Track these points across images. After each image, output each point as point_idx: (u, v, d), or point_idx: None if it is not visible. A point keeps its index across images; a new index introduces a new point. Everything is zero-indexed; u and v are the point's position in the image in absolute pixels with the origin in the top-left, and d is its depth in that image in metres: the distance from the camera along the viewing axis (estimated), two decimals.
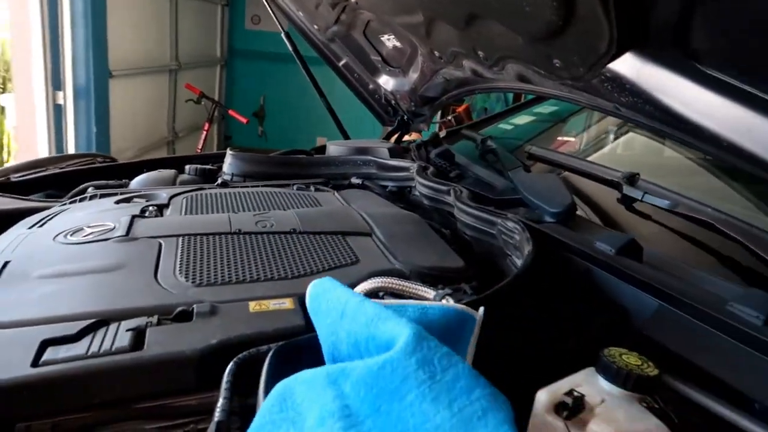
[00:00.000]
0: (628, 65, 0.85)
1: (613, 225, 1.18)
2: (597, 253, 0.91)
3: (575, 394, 0.60)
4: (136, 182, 1.49)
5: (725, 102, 0.74)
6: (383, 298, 0.87)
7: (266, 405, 0.52)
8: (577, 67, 0.95)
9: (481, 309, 0.71)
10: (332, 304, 0.59)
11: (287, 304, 0.80)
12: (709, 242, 1.00)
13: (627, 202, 1.15)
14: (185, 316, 0.75)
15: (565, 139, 2.16)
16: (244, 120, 4.92)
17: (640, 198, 1.09)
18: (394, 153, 1.63)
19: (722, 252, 0.97)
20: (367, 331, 0.54)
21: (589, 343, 0.83)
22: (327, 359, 0.61)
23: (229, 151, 1.56)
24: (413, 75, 1.79)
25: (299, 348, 0.64)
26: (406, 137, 2.13)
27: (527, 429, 0.65)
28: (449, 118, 4.46)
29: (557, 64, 0.99)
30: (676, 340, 0.77)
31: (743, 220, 0.94)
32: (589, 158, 1.89)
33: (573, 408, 0.59)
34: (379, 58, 1.89)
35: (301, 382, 0.53)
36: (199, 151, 4.93)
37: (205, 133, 5.00)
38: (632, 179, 1.13)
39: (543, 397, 0.62)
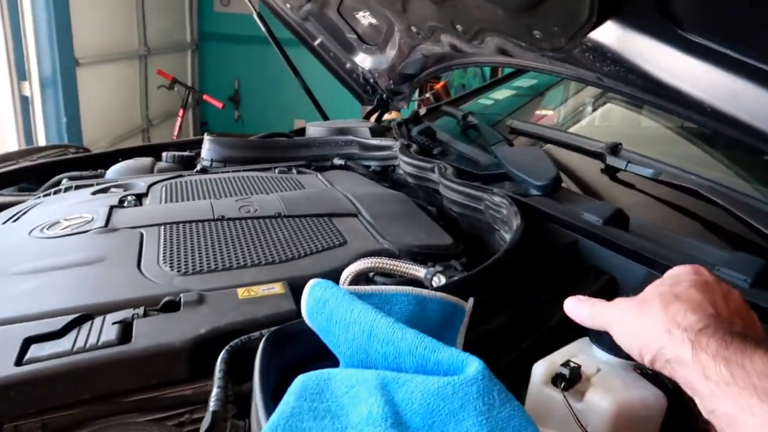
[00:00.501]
0: (609, 34, 0.84)
1: (597, 196, 1.19)
2: (584, 224, 0.91)
3: (572, 364, 0.60)
4: (113, 172, 1.45)
5: (708, 68, 0.74)
6: (374, 278, 0.87)
7: (301, 391, 0.49)
8: (558, 38, 0.94)
9: (471, 300, 0.70)
10: (350, 317, 0.56)
11: (277, 289, 0.79)
12: (694, 209, 1.01)
13: (611, 172, 1.16)
14: (172, 306, 0.74)
15: (544, 112, 2.16)
16: (219, 105, 4.84)
17: (623, 168, 1.10)
18: (375, 132, 1.62)
19: (707, 218, 0.98)
20: (413, 359, 0.52)
21: None
22: None
23: (206, 137, 1.53)
24: (390, 52, 1.76)
25: (293, 333, 0.63)
26: (386, 116, 2.11)
27: (525, 402, 0.65)
28: (428, 95, 4.43)
29: (537, 36, 0.98)
30: None
31: (726, 185, 0.95)
32: (569, 130, 1.90)
33: (570, 379, 0.59)
34: (355, 36, 1.86)
35: (342, 377, 0.51)
36: (175, 137, 4.84)
37: (180, 119, 4.91)
38: (615, 149, 1.13)
39: (540, 369, 0.62)
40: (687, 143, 1.46)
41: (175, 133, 4.90)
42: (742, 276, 0.74)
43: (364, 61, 1.94)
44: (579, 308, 0.59)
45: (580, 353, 0.66)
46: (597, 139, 1.21)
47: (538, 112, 2.15)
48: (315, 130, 1.66)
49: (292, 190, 1.24)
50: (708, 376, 0.42)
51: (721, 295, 0.51)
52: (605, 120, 1.97)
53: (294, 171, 1.42)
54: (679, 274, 0.55)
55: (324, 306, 0.59)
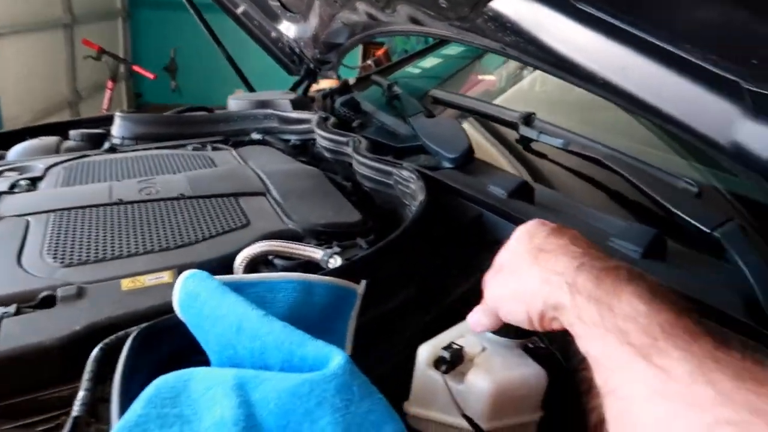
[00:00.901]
0: (507, 3, 0.82)
1: (515, 167, 1.19)
2: (489, 198, 0.90)
3: (454, 347, 0.60)
4: (14, 153, 1.36)
5: (600, 39, 0.73)
6: (273, 261, 0.84)
7: (152, 396, 0.47)
8: (462, 7, 0.91)
9: (363, 282, 0.69)
10: (219, 312, 0.53)
11: (165, 277, 0.75)
12: (600, 179, 1.02)
13: (524, 142, 1.15)
14: (49, 301, 0.69)
15: (484, 77, 2.14)
16: (150, 75, 4.63)
17: (535, 138, 1.09)
18: (297, 104, 1.56)
19: (611, 188, 0.99)
20: (279, 354, 0.50)
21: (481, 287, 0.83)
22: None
23: (117, 113, 1.45)
24: (313, 21, 1.70)
25: (170, 326, 0.60)
26: (324, 85, 2.05)
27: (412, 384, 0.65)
28: (369, 62, 4.35)
29: (443, 4, 0.95)
30: None
31: (630, 155, 0.95)
32: (503, 96, 1.89)
33: (451, 361, 0.59)
34: (278, 3, 1.79)
35: (201, 379, 0.49)
36: (105, 110, 4.63)
37: (109, 91, 4.68)
38: (528, 119, 1.13)
39: (423, 352, 0.62)
40: (617, 109, 1.47)
41: (105, 106, 4.68)
42: (633, 246, 0.75)
43: (288, 29, 1.87)
44: (476, 317, 0.60)
45: (468, 333, 0.65)
46: (513, 108, 1.20)
47: (479, 77, 2.13)
48: (235, 103, 1.60)
49: (203, 168, 1.19)
50: (582, 319, 0.43)
51: (577, 236, 0.52)
52: (544, 84, 1.96)
53: (209, 147, 1.36)
54: (528, 230, 0.55)
55: (195, 299, 0.56)
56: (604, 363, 0.40)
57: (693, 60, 0.60)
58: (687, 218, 0.77)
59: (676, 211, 0.79)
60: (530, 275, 0.50)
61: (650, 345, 0.37)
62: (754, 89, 0.55)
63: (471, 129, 1.41)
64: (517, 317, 0.53)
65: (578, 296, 0.44)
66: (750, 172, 0.56)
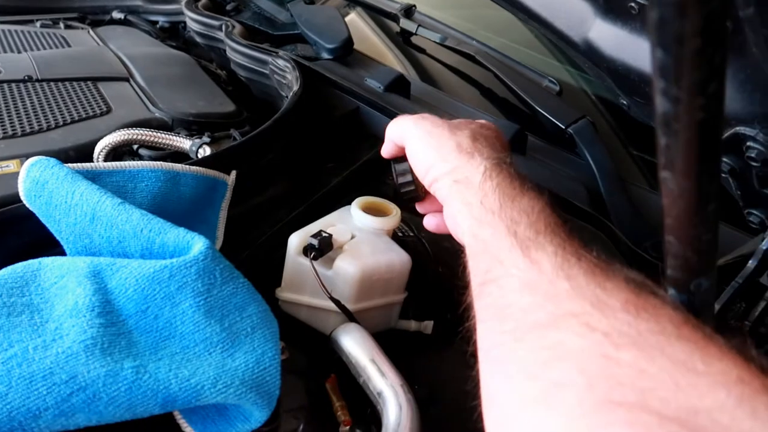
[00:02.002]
0: None
1: (400, 60, 1.18)
2: (365, 91, 0.90)
3: (323, 235, 0.61)
4: None
5: None
6: (138, 151, 0.80)
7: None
8: None
9: (233, 173, 0.67)
10: (71, 200, 0.50)
11: (12, 167, 0.69)
12: (474, 75, 1.04)
13: (405, 35, 1.14)
14: None
15: None
16: None
17: (414, 31, 1.08)
18: None
19: (484, 84, 1.02)
20: (138, 242, 0.48)
21: (357, 178, 0.85)
22: None
23: None
24: None
25: (16, 218, 0.56)
26: None
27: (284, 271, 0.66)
28: None
29: None
30: None
31: (501, 53, 0.98)
32: None
33: (320, 248, 0.60)
34: None
35: (53, 268, 0.47)
36: None
37: None
38: (409, 12, 1.11)
39: (294, 240, 0.63)
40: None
41: None
42: None
43: None
44: (386, 145, 0.62)
45: (339, 222, 0.67)
46: (395, 0, 1.17)
47: None
48: None
49: (54, 49, 1.07)
50: (483, 203, 0.45)
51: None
52: None
53: (61, 25, 1.22)
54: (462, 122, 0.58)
55: (43, 188, 0.52)
56: (490, 250, 0.41)
57: None
58: (547, 115, 0.82)
59: (537, 108, 0.84)
60: (460, 141, 0.52)
61: (532, 239, 0.39)
62: None
63: (359, 20, 1.37)
64: (421, 161, 0.54)
65: (488, 182, 0.46)
66: (597, 68, 0.60)
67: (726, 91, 0.50)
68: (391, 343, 0.62)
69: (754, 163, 0.49)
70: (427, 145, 0.54)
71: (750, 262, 0.57)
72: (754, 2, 0.37)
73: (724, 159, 0.53)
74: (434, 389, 0.60)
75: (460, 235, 0.48)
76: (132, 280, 0.44)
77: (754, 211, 0.57)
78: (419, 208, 0.65)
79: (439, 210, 0.57)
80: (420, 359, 0.64)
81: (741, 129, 0.49)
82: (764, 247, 0.56)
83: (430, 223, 0.62)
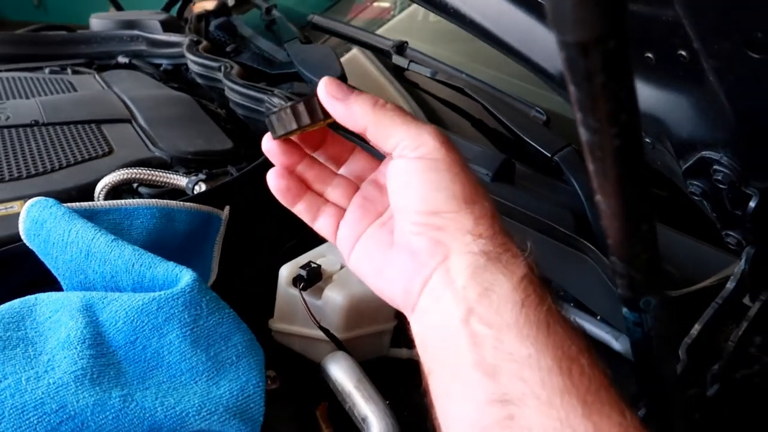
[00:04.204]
0: None
1: (402, 95, 1.22)
2: None
3: (312, 265, 0.63)
4: None
5: None
6: (137, 189, 0.83)
7: None
8: None
9: (227, 208, 0.70)
10: (68, 238, 0.53)
11: (16, 207, 0.72)
12: (464, 107, 1.07)
13: (397, 71, 1.18)
14: None
15: (380, 4, 2.09)
16: None
17: (406, 66, 1.12)
18: (168, 26, 1.48)
19: (474, 115, 1.05)
20: (130, 277, 0.51)
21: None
22: None
23: None
24: None
25: (18, 255, 0.59)
26: (205, 6, 1.93)
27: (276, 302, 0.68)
28: None
29: None
30: None
31: (490, 85, 1.01)
32: (388, 25, 1.88)
33: (309, 279, 0.62)
34: None
35: (48, 303, 0.49)
36: None
37: None
38: (401, 48, 1.15)
39: (284, 272, 0.65)
40: None
41: None
42: (485, 170, 0.81)
43: None
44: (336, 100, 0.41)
45: (329, 253, 0.69)
46: (388, 37, 1.21)
47: (375, 4, 2.09)
48: (98, 22, 1.48)
49: (61, 93, 1.12)
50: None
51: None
52: (427, 14, 1.96)
53: (69, 71, 1.27)
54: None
55: (42, 227, 0.55)
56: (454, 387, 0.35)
57: None
58: (534, 144, 0.84)
59: (525, 137, 0.86)
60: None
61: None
62: None
63: (361, 56, 1.41)
64: (433, 197, 0.37)
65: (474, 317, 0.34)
66: None
67: (689, 117, 0.52)
68: (383, 371, 0.64)
69: (721, 186, 0.51)
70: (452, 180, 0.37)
71: (729, 282, 0.58)
72: (698, 37, 0.40)
73: (696, 182, 0.54)
74: (424, 415, 0.61)
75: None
76: (122, 313, 0.46)
77: (731, 233, 0.58)
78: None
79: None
80: (411, 386, 0.65)
81: (706, 153, 0.50)
82: (742, 268, 0.57)
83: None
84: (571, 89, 0.23)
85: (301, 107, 0.41)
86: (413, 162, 0.38)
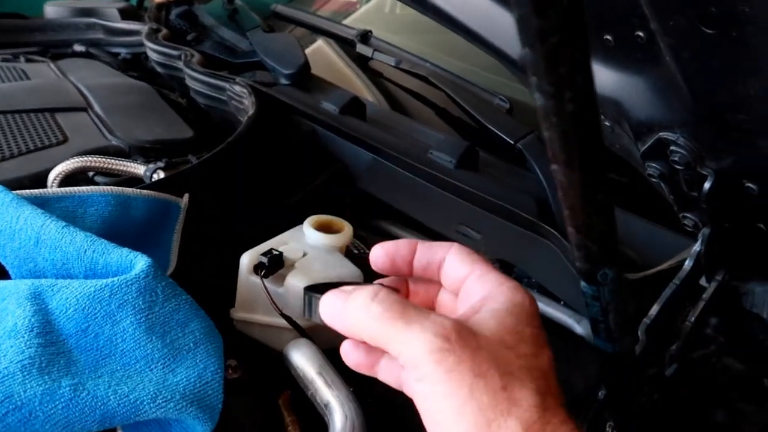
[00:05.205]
0: None
1: (367, 85, 1.21)
2: (321, 114, 0.92)
3: (273, 252, 0.62)
4: None
5: None
6: (93, 178, 0.80)
7: None
8: None
9: (186, 196, 0.68)
10: (16, 225, 0.51)
11: None
12: (429, 95, 1.07)
13: (361, 60, 1.17)
14: None
15: None
16: None
17: (370, 56, 1.11)
18: (126, 14, 1.44)
19: (438, 104, 1.05)
20: (81, 264, 0.49)
21: (314, 197, 0.86)
22: None
23: None
24: None
25: None
26: None
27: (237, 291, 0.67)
28: None
29: None
30: (385, 189, 0.83)
31: (453, 73, 1.01)
32: (354, 16, 1.86)
33: (270, 266, 0.61)
34: None
35: None
36: None
37: None
38: (365, 37, 1.14)
39: (245, 259, 0.64)
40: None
41: None
42: (448, 157, 0.81)
43: None
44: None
45: (292, 240, 0.68)
46: (352, 26, 1.20)
47: None
48: (53, 10, 1.43)
49: (13, 82, 1.07)
50: None
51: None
52: (394, 6, 1.95)
53: (22, 59, 1.22)
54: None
55: None
56: None
57: None
58: (497, 131, 0.84)
59: (488, 125, 0.86)
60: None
61: None
62: None
63: (326, 46, 1.40)
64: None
65: None
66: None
67: (647, 99, 0.52)
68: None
69: (678, 167, 0.52)
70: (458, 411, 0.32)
71: (686, 263, 0.59)
72: (655, 14, 0.40)
73: (653, 164, 0.55)
74: (388, 400, 0.60)
75: None
76: (72, 300, 0.44)
77: (688, 215, 0.59)
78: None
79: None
80: None
81: (663, 134, 0.51)
82: (698, 249, 0.58)
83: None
84: (525, 52, 0.23)
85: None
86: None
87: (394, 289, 0.38)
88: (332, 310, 0.38)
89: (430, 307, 0.43)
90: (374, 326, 0.35)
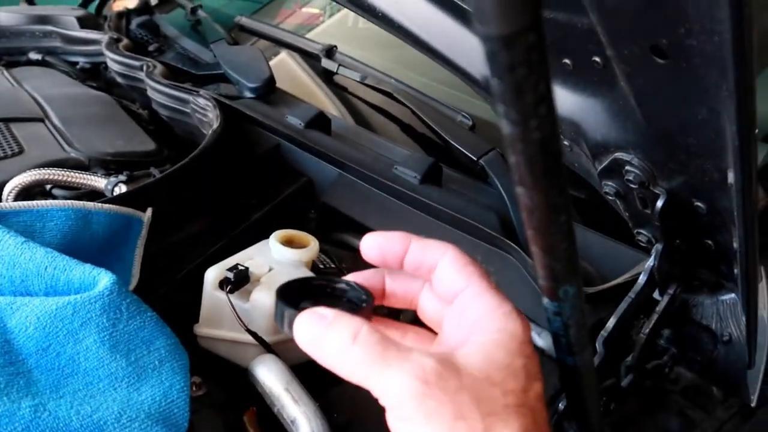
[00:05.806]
0: None
1: (332, 100, 1.21)
2: (286, 128, 0.92)
3: (239, 268, 0.62)
4: None
5: None
6: (51, 192, 0.78)
7: None
8: None
9: (149, 210, 0.67)
10: None
11: None
12: (394, 111, 1.09)
13: (327, 74, 1.18)
14: None
15: (309, 10, 2.08)
16: None
17: (335, 70, 1.12)
18: (85, 23, 1.41)
19: (403, 120, 1.07)
20: (42, 281, 0.48)
21: (278, 213, 0.86)
22: None
23: None
24: None
25: None
26: (127, 4, 1.85)
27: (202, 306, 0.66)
28: None
29: None
30: (350, 204, 0.83)
31: (417, 90, 1.03)
32: (319, 29, 1.87)
33: (236, 282, 0.61)
34: None
35: None
36: None
37: None
38: (330, 52, 1.15)
39: (210, 274, 0.63)
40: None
41: None
42: (413, 173, 0.82)
43: None
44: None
45: (257, 255, 0.68)
46: (316, 41, 1.21)
47: (304, 9, 2.07)
48: (7, 16, 1.39)
49: None
50: None
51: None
52: (357, 20, 1.96)
53: None
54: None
55: None
56: None
57: None
58: (459, 148, 0.86)
59: (452, 141, 0.88)
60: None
61: None
62: None
63: (290, 60, 1.40)
64: None
65: None
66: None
67: (603, 120, 0.55)
68: (314, 375, 0.63)
69: (632, 185, 0.54)
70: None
71: (640, 277, 0.62)
72: (610, 43, 0.42)
73: (610, 183, 0.57)
74: (354, 416, 0.60)
75: None
76: (33, 319, 0.43)
77: (642, 231, 0.62)
78: None
79: None
80: (343, 388, 0.65)
81: (619, 155, 0.54)
82: (651, 264, 0.61)
83: None
84: (493, 83, 0.24)
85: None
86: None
87: (376, 309, 0.38)
88: (309, 338, 0.35)
89: (408, 308, 0.43)
90: (354, 368, 0.33)
